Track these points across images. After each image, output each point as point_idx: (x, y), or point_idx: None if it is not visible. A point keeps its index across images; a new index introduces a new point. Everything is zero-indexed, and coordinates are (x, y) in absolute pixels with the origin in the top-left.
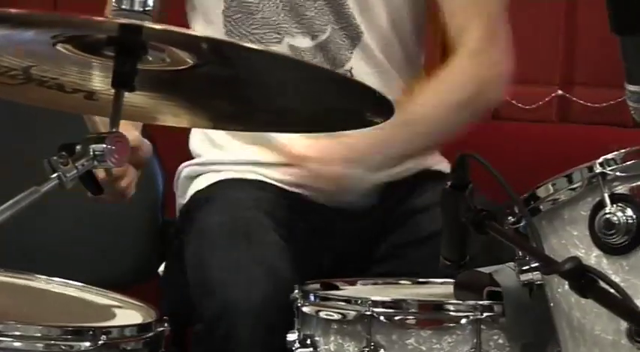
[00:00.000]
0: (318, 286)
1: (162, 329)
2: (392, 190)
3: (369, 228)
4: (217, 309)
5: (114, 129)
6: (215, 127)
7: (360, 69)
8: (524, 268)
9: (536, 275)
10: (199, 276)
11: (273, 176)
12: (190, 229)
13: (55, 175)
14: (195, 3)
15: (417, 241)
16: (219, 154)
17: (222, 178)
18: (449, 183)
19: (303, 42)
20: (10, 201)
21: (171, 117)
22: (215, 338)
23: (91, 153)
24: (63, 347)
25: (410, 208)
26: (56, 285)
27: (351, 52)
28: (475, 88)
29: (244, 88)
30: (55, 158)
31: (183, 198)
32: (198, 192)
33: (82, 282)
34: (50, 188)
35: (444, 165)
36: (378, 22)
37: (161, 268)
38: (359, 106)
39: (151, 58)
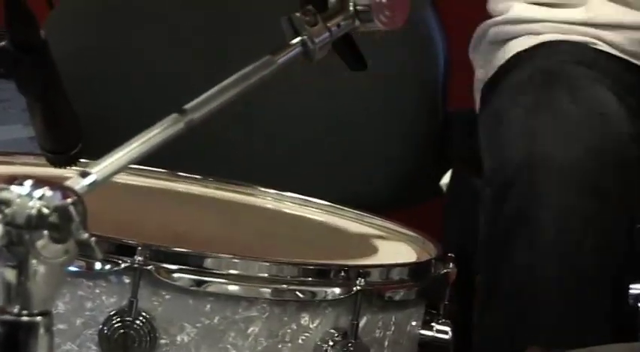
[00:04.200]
0: None
1: (445, 271)
2: None
3: None
4: (517, 163)
5: None
6: None
7: None
8: None
9: None
10: (493, 131)
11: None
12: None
13: (297, 40)
14: None
15: None
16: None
17: (542, 41)
18: None
19: None
20: (236, 75)
21: None
22: (507, 207)
23: (351, 8)
24: (301, 295)
25: None
26: (290, 204)
27: None
28: None
29: None
30: (298, 15)
31: (485, 69)
32: (508, 62)
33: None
34: (290, 58)
35: None
36: None
37: (444, 179)
38: None
39: None
